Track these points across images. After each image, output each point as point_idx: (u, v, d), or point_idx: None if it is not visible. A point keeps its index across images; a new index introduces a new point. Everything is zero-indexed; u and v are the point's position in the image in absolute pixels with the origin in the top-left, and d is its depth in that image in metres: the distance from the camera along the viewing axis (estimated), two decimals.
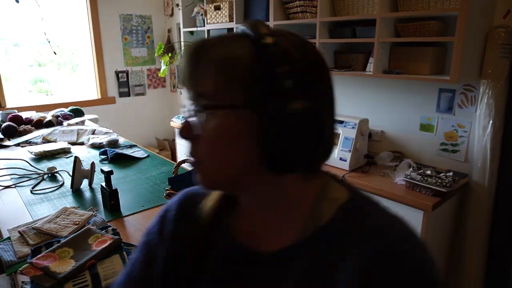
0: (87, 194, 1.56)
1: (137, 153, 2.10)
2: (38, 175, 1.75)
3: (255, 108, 0.48)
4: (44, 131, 2.49)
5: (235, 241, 0.58)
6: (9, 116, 2.63)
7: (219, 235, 0.60)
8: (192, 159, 0.54)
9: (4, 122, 2.52)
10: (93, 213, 1.28)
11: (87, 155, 2.09)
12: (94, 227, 1.13)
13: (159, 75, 4.10)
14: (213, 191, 0.63)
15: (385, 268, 0.46)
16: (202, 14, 3.27)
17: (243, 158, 0.50)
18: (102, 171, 1.37)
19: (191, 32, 3.62)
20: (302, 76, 0.48)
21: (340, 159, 2.21)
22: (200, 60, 0.50)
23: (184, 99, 4.44)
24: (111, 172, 1.37)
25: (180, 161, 1.41)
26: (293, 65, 0.48)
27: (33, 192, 1.57)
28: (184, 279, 0.60)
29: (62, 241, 1.02)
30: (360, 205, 0.55)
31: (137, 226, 1.27)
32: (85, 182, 1.64)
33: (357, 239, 0.49)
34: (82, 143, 2.34)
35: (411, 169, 2.00)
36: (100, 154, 2.07)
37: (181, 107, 4.51)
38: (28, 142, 2.31)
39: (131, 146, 2.23)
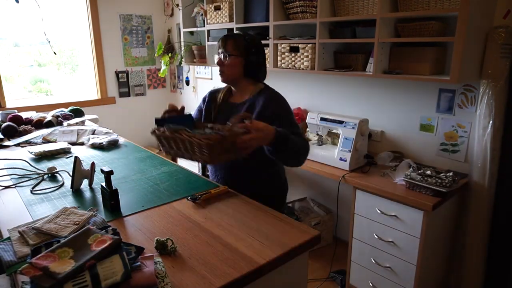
0: (87, 194, 1.56)
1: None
2: (38, 175, 1.75)
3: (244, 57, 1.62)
4: (44, 131, 2.49)
5: (231, 102, 1.71)
6: (9, 116, 2.63)
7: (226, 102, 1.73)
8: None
9: (4, 122, 2.52)
10: (93, 213, 1.27)
11: (87, 155, 2.09)
12: (94, 227, 1.13)
13: (159, 75, 4.11)
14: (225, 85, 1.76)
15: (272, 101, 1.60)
16: (202, 14, 3.27)
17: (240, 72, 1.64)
18: (102, 171, 1.37)
19: (191, 32, 3.62)
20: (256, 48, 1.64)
21: (340, 159, 2.21)
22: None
23: (184, 99, 4.44)
24: (111, 172, 1.37)
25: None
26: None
27: (33, 192, 1.57)
28: (211, 116, 1.72)
29: (62, 241, 1.02)
30: (267, 88, 1.68)
31: (137, 226, 1.27)
32: (85, 182, 1.64)
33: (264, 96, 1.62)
34: (82, 143, 2.33)
35: (411, 169, 1.99)
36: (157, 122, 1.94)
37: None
38: (28, 142, 2.31)
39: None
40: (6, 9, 3.38)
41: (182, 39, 3.64)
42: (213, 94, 1.78)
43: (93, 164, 1.63)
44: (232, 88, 1.73)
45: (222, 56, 1.63)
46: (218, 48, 1.67)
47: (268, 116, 1.50)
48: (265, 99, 1.59)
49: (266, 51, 2.79)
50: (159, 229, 1.25)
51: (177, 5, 4.01)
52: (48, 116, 2.78)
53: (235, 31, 2.96)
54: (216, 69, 3.81)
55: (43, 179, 1.71)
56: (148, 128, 4.63)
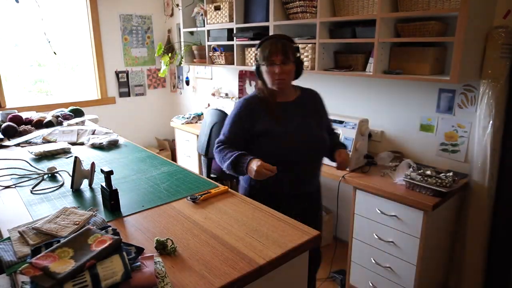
0: (87, 194, 1.56)
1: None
2: (38, 175, 1.75)
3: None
4: (44, 131, 2.49)
5: (279, 101, 1.71)
6: (9, 116, 2.63)
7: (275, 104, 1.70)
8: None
9: (4, 122, 2.52)
10: (93, 213, 1.28)
11: (87, 155, 2.09)
12: (94, 227, 1.13)
13: (159, 75, 4.10)
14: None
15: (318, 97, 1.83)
16: (202, 14, 3.27)
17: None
18: (102, 171, 1.37)
19: (191, 32, 3.62)
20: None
21: None
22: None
23: (184, 99, 4.44)
24: (111, 172, 1.37)
25: None
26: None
27: (33, 192, 1.57)
28: (261, 121, 1.65)
29: (62, 241, 1.02)
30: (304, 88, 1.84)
31: (137, 226, 1.27)
32: (85, 182, 1.64)
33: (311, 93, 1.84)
34: (82, 143, 2.34)
35: (411, 169, 1.99)
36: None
37: (181, 107, 4.51)
38: (28, 142, 2.31)
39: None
40: (6, 9, 3.38)
41: (182, 39, 3.64)
42: (250, 105, 1.70)
43: (93, 164, 1.62)
44: (276, 91, 1.69)
45: (283, 64, 1.61)
46: (269, 55, 1.60)
47: (321, 109, 1.83)
48: (311, 96, 1.83)
49: None
50: (159, 229, 1.25)
51: (177, 5, 4.00)
52: (48, 116, 2.78)
53: (235, 31, 2.96)
54: (216, 69, 3.83)
55: (43, 179, 1.71)
56: (148, 128, 4.63)
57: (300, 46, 2.50)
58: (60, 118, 2.78)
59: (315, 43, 2.40)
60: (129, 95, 4.26)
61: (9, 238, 1.15)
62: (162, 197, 1.51)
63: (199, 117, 3.71)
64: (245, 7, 2.94)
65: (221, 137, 1.71)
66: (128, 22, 4.09)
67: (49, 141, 2.33)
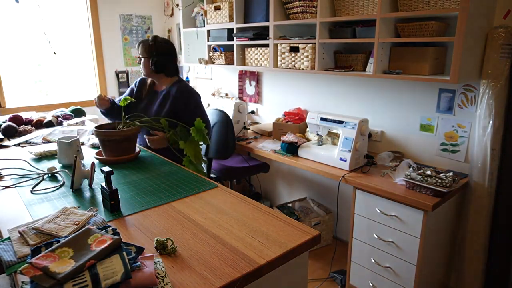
0: (87, 194, 1.56)
1: None
2: (38, 175, 1.75)
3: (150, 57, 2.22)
4: (44, 131, 2.49)
5: (154, 89, 2.36)
6: (9, 116, 2.62)
7: (151, 89, 2.37)
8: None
9: (4, 122, 2.52)
10: (93, 213, 1.27)
11: (87, 155, 2.09)
12: (94, 227, 1.13)
13: None
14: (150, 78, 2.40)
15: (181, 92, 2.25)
16: (202, 14, 3.27)
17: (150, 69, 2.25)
18: (102, 171, 1.37)
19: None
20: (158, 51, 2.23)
21: (340, 159, 2.21)
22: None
23: None
24: (111, 172, 1.37)
25: None
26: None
27: (33, 192, 1.57)
28: (141, 97, 2.36)
29: (62, 241, 1.02)
30: (179, 81, 2.33)
31: (137, 226, 1.27)
32: (85, 182, 1.64)
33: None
34: (82, 143, 2.33)
35: (411, 169, 1.99)
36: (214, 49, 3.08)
37: None
38: (28, 142, 2.31)
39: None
40: (6, 9, 3.38)
41: (182, 39, 3.64)
42: (142, 80, 2.40)
43: (93, 164, 1.62)
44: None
45: (139, 58, 2.26)
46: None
47: (180, 107, 2.20)
48: (177, 91, 2.21)
49: (266, 51, 2.79)
50: (159, 229, 1.25)
51: (177, 5, 4.00)
52: (48, 116, 2.78)
53: (235, 31, 2.96)
54: (216, 69, 3.84)
55: (43, 179, 1.71)
56: None
57: (300, 46, 2.51)
58: (60, 118, 2.78)
59: (315, 43, 2.40)
60: None
61: (9, 238, 1.15)
62: (162, 197, 1.51)
63: None
64: (245, 7, 2.94)
65: None
66: (128, 22, 4.09)
67: (49, 141, 2.33)
